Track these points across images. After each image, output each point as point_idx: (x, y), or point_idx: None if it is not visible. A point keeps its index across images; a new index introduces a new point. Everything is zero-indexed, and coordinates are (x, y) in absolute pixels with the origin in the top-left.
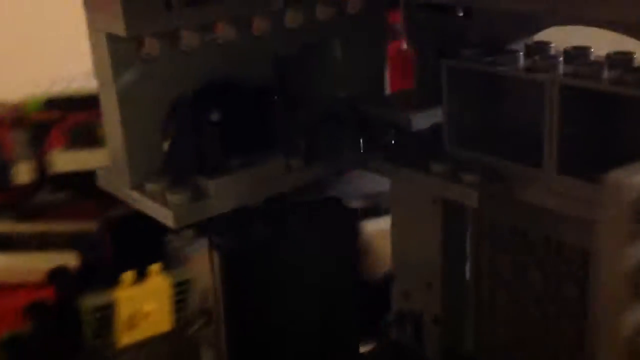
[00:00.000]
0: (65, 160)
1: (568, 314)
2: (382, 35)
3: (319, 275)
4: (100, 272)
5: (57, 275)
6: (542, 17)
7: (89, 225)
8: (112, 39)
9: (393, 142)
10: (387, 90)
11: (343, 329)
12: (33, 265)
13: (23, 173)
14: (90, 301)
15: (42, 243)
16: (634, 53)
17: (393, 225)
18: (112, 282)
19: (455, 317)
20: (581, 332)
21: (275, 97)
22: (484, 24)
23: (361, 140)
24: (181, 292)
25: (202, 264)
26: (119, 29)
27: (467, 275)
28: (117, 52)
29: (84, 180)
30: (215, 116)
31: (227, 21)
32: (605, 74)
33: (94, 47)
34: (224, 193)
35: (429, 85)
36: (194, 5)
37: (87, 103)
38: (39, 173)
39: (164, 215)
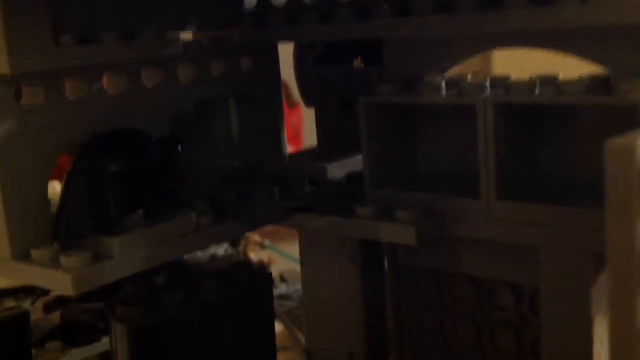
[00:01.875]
0: None
1: None
2: (277, 93)
3: (236, 343)
4: None
5: None
6: (457, 48)
7: None
8: None
9: (309, 193)
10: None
11: None
12: None
13: None
14: None
15: None
16: (558, 74)
17: (306, 291)
18: None
19: None
20: None
21: (179, 149)
22: (397, 64)
23: (275, 196)
24: None
25: None
26: (2, 67)
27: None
28: None
29: None
30: (115, 165)
31: (116, 71)
32: (537, 90)
33: None
34: (130, 252)
35: (333, 141)
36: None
37: None
38: None
39: (60, 283)
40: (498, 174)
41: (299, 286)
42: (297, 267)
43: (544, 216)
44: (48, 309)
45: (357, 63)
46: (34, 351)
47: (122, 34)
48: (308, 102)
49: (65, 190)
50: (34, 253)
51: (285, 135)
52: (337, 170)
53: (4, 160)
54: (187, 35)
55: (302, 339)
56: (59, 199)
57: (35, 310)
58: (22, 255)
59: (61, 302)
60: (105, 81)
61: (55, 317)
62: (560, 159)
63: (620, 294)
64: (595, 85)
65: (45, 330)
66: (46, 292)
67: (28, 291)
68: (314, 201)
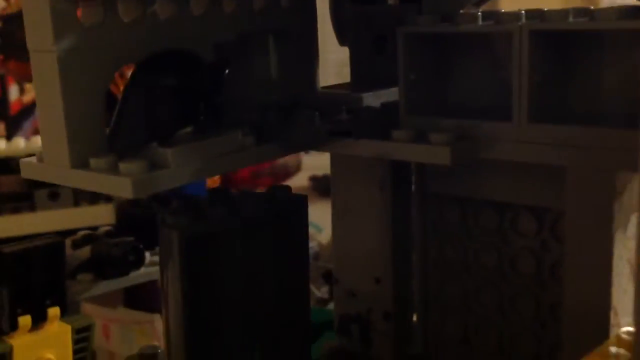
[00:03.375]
0: None
1: (525, 293)
2: (314, 30)
3: (273, 259)
4: None
5: None
6: None
7: None
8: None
9: (347, 120)
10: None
11: (296, 312)
12: None
13: None
14: None
15: None
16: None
17: (335, 218)
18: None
19: (406, 312)
20: (539, 309)
21: (226, 72)
22: (432, 1)
23: (315, 121)
24: (82, 339)
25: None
26: None
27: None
28: (58, 12)
29: None
30: (168, 81)
31: None
32: (570, 18)
33: (31, 9)
34: (182, 163)
35: (367, 76)
36: None
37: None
38: None
39: (120, 187)
40: (530, 98)
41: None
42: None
43: (573, 137)
44: (76, 246)
45: (393, 1)
46: (67, 283)
47: None
48: (342, 40)
49: (122, 102)
50: (93, 161)
51: (319, 71)
52: (372, 100)
53: (65, 74)
54: None
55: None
56: (116, 111)
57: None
58: (80, 163)
59: (88, 239)
60: (157, 5)
61: (85, 252)
62: (591, 86)
63: None
64: (627, 12)
65: (75, 264)
66: (73, 232)
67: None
68: (352, 126)
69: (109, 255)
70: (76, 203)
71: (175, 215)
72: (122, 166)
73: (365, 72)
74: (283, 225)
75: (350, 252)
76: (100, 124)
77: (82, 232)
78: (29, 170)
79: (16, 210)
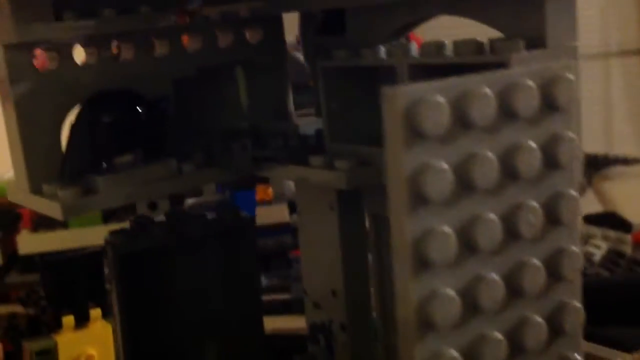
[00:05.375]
0: (32, 242)
1: None
2: (283, 62)
3: (220, 280)
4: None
5: (4, 328)
6: (399, 16)
7: None
8: (7, 49)
9: (279, 147)
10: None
11: (248, 326)
12: None
13: None
14: (31, 345)
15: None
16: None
17: (300, 236)
18: (54, 327)
19: (362, 323)
20: None
21: (168, 108)
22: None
23: (248, 149)
24: None
25: None
26: (11, 36)
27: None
28: (13, 62)
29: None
30: (107, 117)
31: (125, 40)
32: (448, 51)
33: None
34: (112, 189)
35: None
36: (87, 17)
37: None
38: (7, 256)
39: (53, 209)
40: None
41: None
42: None
43: None
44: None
45: None
46: (108, 286)
47: (121, 10)
48: (311, 71)
49: (69, 137)
50: (45, 187)
51: (291, 99)
52: (308, 128)
53: (23, 114)
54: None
55: None
56: (66, 145)
57: None
58: (36, 189)
59: None
60: (113, 49)
61: None
62: None
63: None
64: (483, 47)
65: None
66: None
67: None
68: (280, 153)
69: None
70: None
71: (115, 234)
72: (59, 193)
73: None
74: (226, 244)
75: (313, 267)
76: (54, 156)
77: None
78: (10, 192)
79: (121, 219)
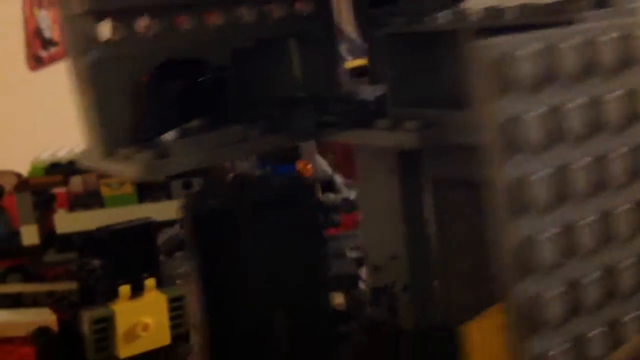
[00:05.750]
0: (69, 222)
1: None
2: (333, 33)
3: (283, 235)
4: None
5: (57, 300)
6: None
7: None
8: (78, 18)
9: (340, 112)
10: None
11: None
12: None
13: (30, 235)
14: (90, 314)
15: (49, 302)
16: None
17: (359, 201)
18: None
19: (424, 284)
20: None
21: (230, 75)
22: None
23: (310, 115)
24: (177, 307)
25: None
26: (84, 5)
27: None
28: (85, 30)
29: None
30: (175, 84)
31: (185, 11)
32: (509, 14)
33: (65, 29)
34: (184, 153)
35: (378, 74)
36: None
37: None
38: (45, 235)
39: (132, 171)
40: None
41: None
42: None
43: None
44: (182, 226)
45: None
46: (164, 259)
47: None
48: (364, 39)
49: (141, 104)
50: (119, 152)
51: (343, 68)
52: (368, 94)
53: (94, 81)
54: None
55: None
56: (137, 111)
57: (174, 229)
58: (109, 153)
59: None
60: (175, 20)
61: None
62: None
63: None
64: (551, 7)
65: (174, 243)
66: None
67: None
68: (344, 117)
69: None
70: None
71: (189, 196)
72: (137, 155)
73: (377, 68)
74: (289, 206)
75: (372, 231)
76: (126, 121)
77: None
78: (82, 158)
79: (156, 199)
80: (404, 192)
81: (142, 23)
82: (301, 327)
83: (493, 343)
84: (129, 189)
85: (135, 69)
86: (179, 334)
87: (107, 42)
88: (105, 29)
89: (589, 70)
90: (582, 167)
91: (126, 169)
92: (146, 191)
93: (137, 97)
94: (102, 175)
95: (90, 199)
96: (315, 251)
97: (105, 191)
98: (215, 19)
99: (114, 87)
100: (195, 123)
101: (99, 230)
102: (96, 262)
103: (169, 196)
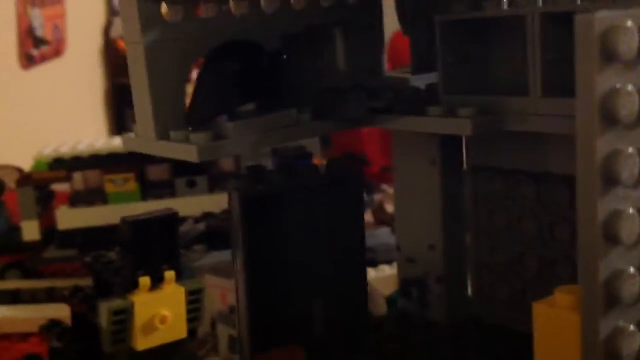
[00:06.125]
0: (71, 218)
1: (562, 258)
2: (379, 23)
3: (328, 220)
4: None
5: (73, 291)
6: None
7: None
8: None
9: (392, 98)
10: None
11: (353, 271)
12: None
13: (31, 231)
14: (109, 304)
15: (48, 298)
16: None
17: (396, 192)
18: (129, 287)
19: (458, 276)
20: (575, 273)
21: (284, 59)
22: None
23: (362, 100)
24: (194, 300)
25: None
26: None
27: (467, 234)
28: (145, 12)
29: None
30: (231, 66)
31: None
32: (578, 1)
33: (124, 9)
34: (240, 135)
35: (423, 62)
36: None
37: (91, 162)
38: (46, 230)
39: (188, 152)
40: (543, 74)
41: None
42: None
43: None
44: (197, 221)
45: None
46: (182, 251)
47: None
48: (405, 30)
49: (196, 84)
50: (172, 134)
51: (384, 59)
52: (419, 81)
53: (150, 62)
54: None
55: None
56: (192, 92)
57: (186, 224)
58: (163, 135)
59: (206, 215)
60: (231, 4)
61: (202, 226)
62: None
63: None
64: None
65: (192, 236)
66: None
67: None
68: (395, 104)
69: (220, 229)
70: (211, 190)
71: (238, 180)
72: (192, 137)
73: (422, 57)
74: (336, 191)
75: (408, 222)
76: (180, 104)
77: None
78: (128, 143)
79: (159, 196)
80: (444, 181)
81: (201, 6)
82: (336, 315)
83: (563, 321)
84: (133, 185)
85: (192, 51)
86: (194, 328)
87: (164, 23)
88: (163, 10)
89: None
90: None
91: (182, 150)
92: (150, 189)
93: (196, 80)
94: (106, 172)
95: (92, 195)
96: (356, 236)
97: (109, 187)
98: (268, 5)
99: (171, 68)
100: (248, 106)
101: (123, 220)
102: (112, 255)
103: (172, 194)
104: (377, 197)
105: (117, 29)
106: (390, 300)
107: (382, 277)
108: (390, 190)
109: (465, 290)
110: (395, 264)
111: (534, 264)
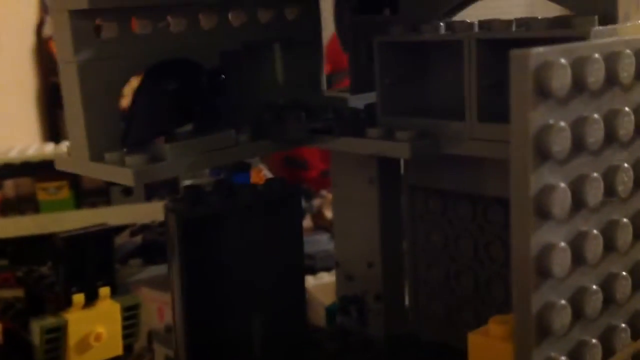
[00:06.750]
0: (1, 227)
1: (497, 277)
2: (319, 40)
3: (267, 239)
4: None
5: (5, 307)
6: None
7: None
8: (74, 15)
9: (331, 119)
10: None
11: (292, 287)
12: None
13: None
14: (41, 323)
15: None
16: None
17: (335, 210)
18: (62, 304)
19: (395, 293)
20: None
21: (223, 78)
22: (408, 12)
23: (302, 120)
24: (130, 317)
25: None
26: (80, 2)
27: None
28: (78, 29)
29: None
30: (169, 85)
31: (177, 13)
32: (513, 27)
33: (57, 27)
34: (177, 157)
35: (361, 82)
36: None
37: (23, 170)
38: None
39: (124, 176)
40: (479, 100)
41: None
42: None
43: None
44: (133, 234)
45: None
46: (118, 266)
47: None
48: (345, 47)
49: (132, 105)
50: (107, 155)
51: (324, 76)
52: (357, 102)
53: (83, 81)
54: None
55: None
56: (128, 112)
57: (123, 237)
58: (97, 157)
59: (143, 228)
60: (168, 21)
61: (138, 239)
62: None
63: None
64: (555, 22)
65: (128, 250)
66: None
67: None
68: (334, 125)
69: (156, 243)
70: (148, 198)
71: (176, 202)
72: (127, 159)
73: (361, 77)
74: (275, 210)
75: (347, 240)
76: (115, 124)
77: (139, 222)
78: (61, 162)
79: (94, 205)
80: (382, 200)
81: (136, 23)
82: (275, 333)
83: (497, 351)
84: (66, 193)
85: (127, 70)
86: (130, 344)
87: (99, 41)
88: (105, 27)
89: (608, 83)
90: (595, 178)
91: (117, 174)
92: (84, 197)
93: (131, 99)
94: (38, 180)
95: (24, 204)
96: (295, 255)
97: (41, 195)
98: (206, 22)
99: (105, 88)
100: (187, 127)
101: (55, 236)
102: (44, 270)
103: (107, 202)
104: (316, 202)
105: (50, 27)
106: (330, 311)
107: (321, 284)
108: (329, 195)
109: (403, 308)
110: (334, 271)
111: (469, 282)
